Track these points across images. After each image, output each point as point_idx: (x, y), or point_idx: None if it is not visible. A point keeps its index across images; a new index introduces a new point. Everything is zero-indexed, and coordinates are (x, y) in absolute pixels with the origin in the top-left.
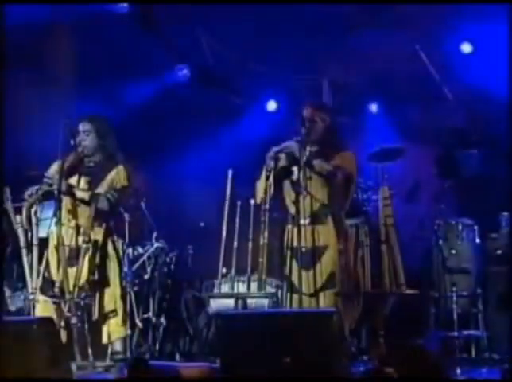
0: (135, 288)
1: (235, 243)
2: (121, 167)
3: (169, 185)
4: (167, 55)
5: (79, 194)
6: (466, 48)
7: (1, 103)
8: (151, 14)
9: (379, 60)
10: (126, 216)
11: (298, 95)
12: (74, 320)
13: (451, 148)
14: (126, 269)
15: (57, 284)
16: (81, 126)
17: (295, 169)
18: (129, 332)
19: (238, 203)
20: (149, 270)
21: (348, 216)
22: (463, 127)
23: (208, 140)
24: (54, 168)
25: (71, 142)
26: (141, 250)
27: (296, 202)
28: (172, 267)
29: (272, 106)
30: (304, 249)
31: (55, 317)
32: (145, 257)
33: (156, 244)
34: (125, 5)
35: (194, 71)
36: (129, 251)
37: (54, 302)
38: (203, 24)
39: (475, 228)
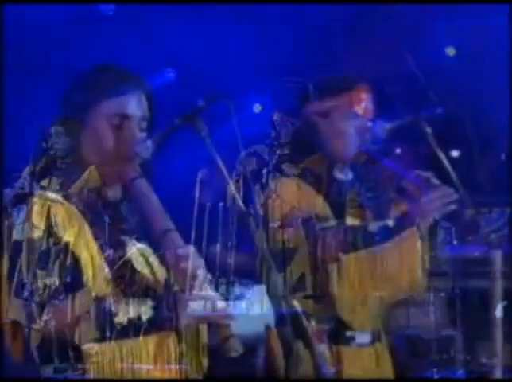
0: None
1: (203, 247)
2: (93, 167)
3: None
4: (153, 57)
5: (52, 196)
6: (451, 50)
7: (1, 103)
8: (137, 16)
9: (365, 61)
10: (106, 217)
11: (283, 99)
12: (48, 322)
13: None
14: (105, 271)
15: (27, 287)
16: (53, 129)
17: (264, 172)
18: (108, 334)
19: (208, 205)
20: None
21: None
22: (444, 129)
23: (192, 142)
24: (25, 171)
25: (44, 144)
26: (120, 251)
27: (265, 205)
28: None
29: (257, 109)
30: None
31: (25, 320)
32: (124, 259)
33: (136, 245)
34: (111, 6)
35: (179, 73)
36: (109, 252)
37: (25, 305)
38: (188, 25)
39: (453, 230)
